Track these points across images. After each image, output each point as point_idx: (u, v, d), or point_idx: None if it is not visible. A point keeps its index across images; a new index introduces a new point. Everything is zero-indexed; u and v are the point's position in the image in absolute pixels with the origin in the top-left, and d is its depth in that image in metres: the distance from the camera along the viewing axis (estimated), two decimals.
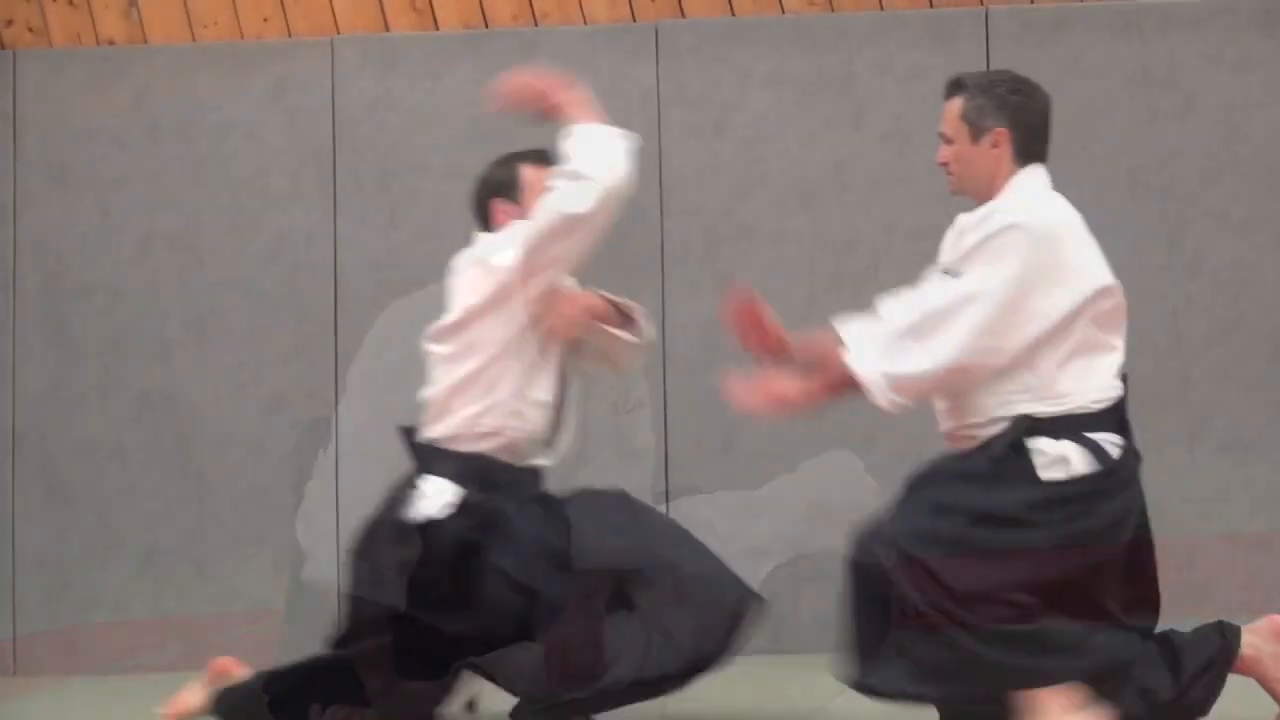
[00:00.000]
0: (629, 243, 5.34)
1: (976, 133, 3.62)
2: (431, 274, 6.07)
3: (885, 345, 3.57)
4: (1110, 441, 3.54)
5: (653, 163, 5.92)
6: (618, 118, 6.07)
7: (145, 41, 6.21)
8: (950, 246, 3.73)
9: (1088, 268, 3.57)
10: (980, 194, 3.68)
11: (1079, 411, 3.51)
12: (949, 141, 3.68)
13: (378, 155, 6.08)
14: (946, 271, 3.68)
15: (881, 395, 3.55)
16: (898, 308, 3.66)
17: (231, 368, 6.04)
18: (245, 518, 6.00)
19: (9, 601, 6.00)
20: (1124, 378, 3.62)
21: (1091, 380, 3.54)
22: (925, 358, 3.51)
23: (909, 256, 5.93)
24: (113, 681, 5.85)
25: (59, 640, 5.99)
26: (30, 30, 6.21)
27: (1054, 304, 3.50)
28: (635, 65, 6.04)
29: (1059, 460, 3.50)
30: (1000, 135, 3.63)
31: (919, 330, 3.55)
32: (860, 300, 5.85)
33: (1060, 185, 5.92)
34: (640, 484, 5.73)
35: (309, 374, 6.02)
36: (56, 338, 6.05)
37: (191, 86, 6.10)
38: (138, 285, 6.07)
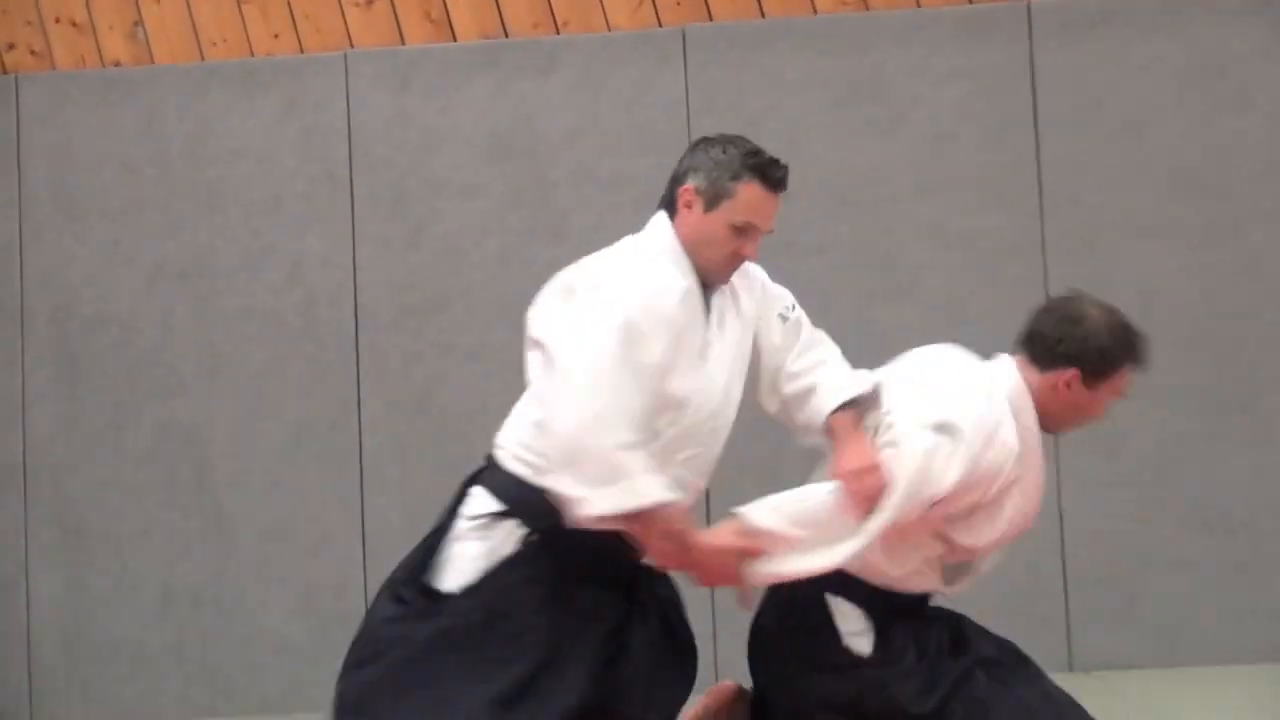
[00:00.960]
0: None
1: None
2: (454, 294, 5.94)
3: None
4: None
5: None
6: (645, 126, 5.96)
7: (152, 62, 6.12)
8: None
9: None
10: None
11: None
12: None
13: (395, 174, 5.95)
14: None
15: None
16: None
17: (249, 399, 5.92)
18: (266, 555, 5.88)
19: (24, 649, 5.89)
20: None
21: None
22: None
23: (952, 263, 5.77)
24: None
25: (77, 687, 5.87)
26: (33, 54, 6.13)
27: None
28: (662, 72, 5.91)
29: None
30: None
31: None
32: (903, 309, 5.72)
33: (1109, 186, 5.77)
34: None
35: (330, 404, 5.88)
36: (67, 373, 5.95)
37: (201, 108, 6.01)
38: (150, 316, 5.97)
